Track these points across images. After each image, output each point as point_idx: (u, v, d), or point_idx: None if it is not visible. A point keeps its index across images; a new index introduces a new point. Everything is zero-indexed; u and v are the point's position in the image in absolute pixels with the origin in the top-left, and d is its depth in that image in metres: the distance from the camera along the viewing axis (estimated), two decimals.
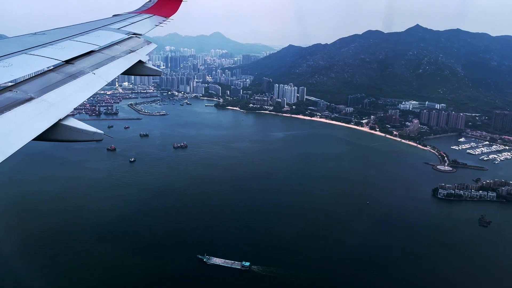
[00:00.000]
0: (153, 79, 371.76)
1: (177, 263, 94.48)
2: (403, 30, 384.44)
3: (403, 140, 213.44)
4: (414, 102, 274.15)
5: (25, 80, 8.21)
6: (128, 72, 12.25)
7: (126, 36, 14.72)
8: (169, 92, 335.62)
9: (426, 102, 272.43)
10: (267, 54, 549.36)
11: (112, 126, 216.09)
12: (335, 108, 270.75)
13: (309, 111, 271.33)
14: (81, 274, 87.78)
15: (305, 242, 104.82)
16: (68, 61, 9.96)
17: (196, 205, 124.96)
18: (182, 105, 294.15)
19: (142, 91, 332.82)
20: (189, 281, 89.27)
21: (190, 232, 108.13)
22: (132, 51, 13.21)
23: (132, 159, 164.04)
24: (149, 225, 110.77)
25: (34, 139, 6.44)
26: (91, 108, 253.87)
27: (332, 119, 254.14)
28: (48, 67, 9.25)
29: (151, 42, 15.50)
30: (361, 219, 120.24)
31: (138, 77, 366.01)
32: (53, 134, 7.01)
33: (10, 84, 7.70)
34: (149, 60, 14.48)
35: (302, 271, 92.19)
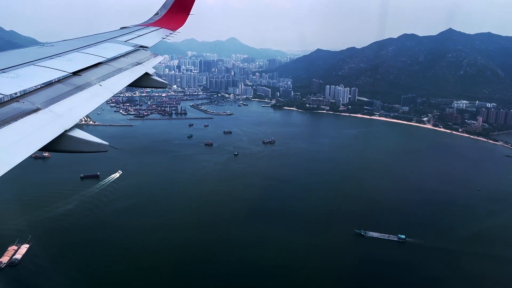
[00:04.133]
0: (198, 82, 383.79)
1: (337, 236, 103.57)
2: (436, 34, 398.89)
3: (471, 136, 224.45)
4: (464, 101, 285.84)
5: (32, 91, 8.26)
6: (134, 84, 12.42)
7: (133, 49, 14.98)
8: (218, 94, 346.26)
9: (477, 102, 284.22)
10: (288, 59, 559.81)
11: (192, 125, 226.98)
12: (392, 107, 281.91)
13: (366, 110, 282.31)
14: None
15: (442, 219, 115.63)
16: (76, 73, 10.09)
17: (323, 191, 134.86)
18: (240, 106, 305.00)
19: (193, 93, 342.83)
20: (354, 249, 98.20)
21: (337, 213, 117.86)
22: (139, 64, 13.44)
23: (236, 153, 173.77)
24: (294, 206, 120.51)
25: (40, 149, 6.53)
26: (161, 109, 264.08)
27: (392, 118, 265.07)
28: (55, 79, 9.24)
29: (157, 55, 15.64)
30: (485, 202, 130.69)
31: (185, 80, 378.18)
32: (59, 144, 7.07)
33: (17, 95, 7.71)
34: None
35: (454, 244, 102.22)
